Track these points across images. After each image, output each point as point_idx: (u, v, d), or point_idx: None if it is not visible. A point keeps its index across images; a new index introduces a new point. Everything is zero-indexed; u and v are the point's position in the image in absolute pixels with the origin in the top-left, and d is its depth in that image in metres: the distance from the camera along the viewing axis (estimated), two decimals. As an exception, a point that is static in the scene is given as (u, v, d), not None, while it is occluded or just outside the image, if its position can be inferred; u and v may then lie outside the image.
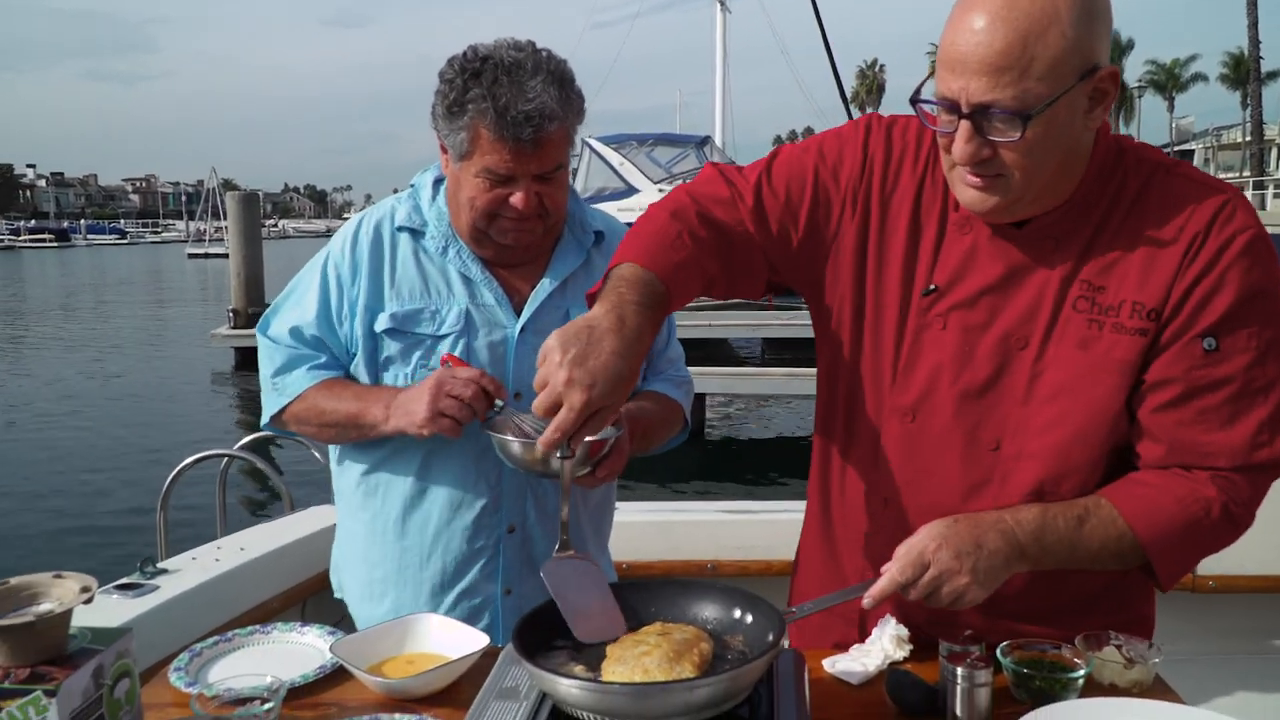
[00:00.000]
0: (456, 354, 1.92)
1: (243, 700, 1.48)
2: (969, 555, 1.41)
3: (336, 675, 1.62)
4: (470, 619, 1.95)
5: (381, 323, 1.95)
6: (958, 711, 1.38)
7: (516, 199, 1.84)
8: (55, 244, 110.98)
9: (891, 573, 1.42)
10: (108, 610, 2.31)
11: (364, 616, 2.10)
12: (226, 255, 22.20)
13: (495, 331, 1.97)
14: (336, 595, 2.21)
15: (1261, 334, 1.45)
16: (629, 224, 2.11)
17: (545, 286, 2.00)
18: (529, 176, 1.83)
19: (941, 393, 1.55)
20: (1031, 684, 1.46)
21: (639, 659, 1.26)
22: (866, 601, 1.43)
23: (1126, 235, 1.48)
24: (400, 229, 2.00)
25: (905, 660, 1.59)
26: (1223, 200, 1.48)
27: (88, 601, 1.31)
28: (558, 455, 1.43)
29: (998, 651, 1.50)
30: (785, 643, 1.40)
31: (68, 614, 1.28)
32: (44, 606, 1.28)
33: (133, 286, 45.52)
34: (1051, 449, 1.51)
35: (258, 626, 1.79)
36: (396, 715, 1.46)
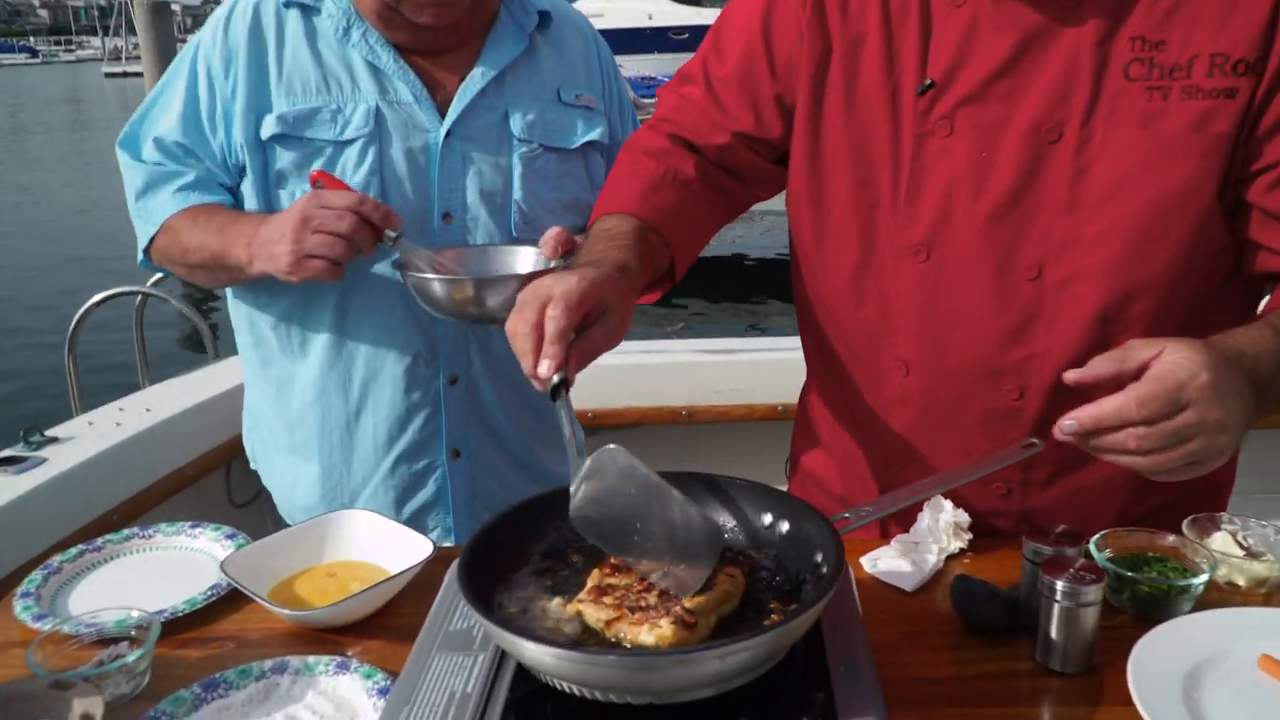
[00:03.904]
0: (366, 166, 1.53)
1: (108, 640, 1.12)
2: (1234, 401, 0.98)
3: (235, 595, 1.25)
4: (413, 487, 1.69)
5: (269, 127, 1.53)
6: (1053, 634, 1.04)
7: None
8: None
9: (1127, 401, 0.96)
10: (-18, 490, 1.92)
11: (284, 491, 1.78)
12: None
13: (415, 136, 1.56)
14: (252, 466, 1.87)
15: None
16: (595, 24, 1.77)
17: (476, 79, 1.59)
18: None
19: (959, 216, 1.21)
20: (1137, 589, 1.13)
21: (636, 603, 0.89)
22: (1068, 424, 0.99)
23: None
24: (288, 5, 1.57)
25: (963, 553, 1.27)
26: None
27: None
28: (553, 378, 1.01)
29: (1090, 545, 1.17)
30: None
31: None
32: None
33: (48, 109, 42.84)
34: (1113, 263, 1.15)
35: (136, 530, 1.41)
36: (310, 657, 1.09)
